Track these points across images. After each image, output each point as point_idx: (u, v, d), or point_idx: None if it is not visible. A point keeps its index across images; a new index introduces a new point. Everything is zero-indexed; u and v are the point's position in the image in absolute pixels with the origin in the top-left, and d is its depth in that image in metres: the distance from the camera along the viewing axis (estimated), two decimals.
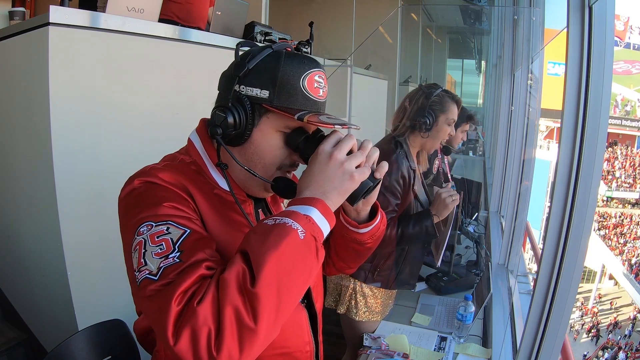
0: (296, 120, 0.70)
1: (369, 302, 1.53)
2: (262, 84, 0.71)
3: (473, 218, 2.45)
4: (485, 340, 1.48)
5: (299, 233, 0.59)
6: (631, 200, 21.02)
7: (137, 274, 0.59)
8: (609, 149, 21.77)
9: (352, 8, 4.15)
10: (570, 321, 14.52)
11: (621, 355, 14.61)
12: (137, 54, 1.64)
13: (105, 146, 1.54)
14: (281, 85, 0.71)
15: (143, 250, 0.61)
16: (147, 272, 0.58)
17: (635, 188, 20.95)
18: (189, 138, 0.81)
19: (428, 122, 1.52)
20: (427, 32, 6.52)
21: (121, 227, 0.70)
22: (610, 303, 17.25)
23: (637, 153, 21.90)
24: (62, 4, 1.43)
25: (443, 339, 1.45)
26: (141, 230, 0.63)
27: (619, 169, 21.49)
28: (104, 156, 1.54)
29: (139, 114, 1.66)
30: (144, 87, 1.66)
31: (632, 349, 14.85)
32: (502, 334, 1.43)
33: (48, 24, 1.34)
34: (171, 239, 0.62)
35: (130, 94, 1.62)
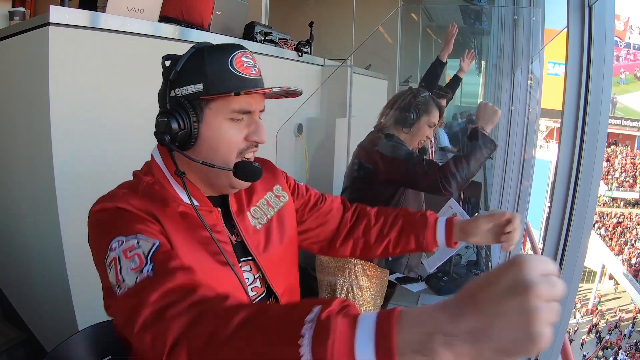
0: (234, 97, 0.72)
1: (364, 294, 1.57)
2: (194, 79, 0.73)
3: None
4: None
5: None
6: (631, 200, 21.01)
7: (118, 290, 0.61)
8: (609, 148, 21.76)
9: (352, 8, 4.15)
10: (571, 321, 14.52)
11: (621, 355, 14.61)
12: (137, 54, 1.64)
13: (105, 146, 1.54)
14: (212, 74, 0.72)
15: (119, 267, 0.62)
16: (127, 288, 0.60)
17: (635, 188, 20.95)
18: (151, 154, 0.81)
19: (412, 117, 1.59)
20: (427, 32, 6.51)
21: (91, 239, 0.72)
22: (614, 309, 17.22)
23: (637, 153, 21.89)
24: (62, 4, 1.43)
25: None
26: (113, 245, 0.64)
27: (619, 169, 21.48)
28: (104, 156, 1.54)
29: (139, 114, 1.65)
30: (144, 87, 1.66)
31: (632, 349, 14.85)
32: None
33: (48, 24, 1.34)
34: (142, 252, 0.62)
35: (130, 94, 1.61)
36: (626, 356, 14.55)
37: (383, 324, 0.41)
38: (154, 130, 0.76)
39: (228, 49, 0.75)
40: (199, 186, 0.79)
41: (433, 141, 2.62)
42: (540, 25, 2.19)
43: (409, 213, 1.01)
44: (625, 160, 21.79)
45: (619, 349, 14.92)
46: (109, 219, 0.69)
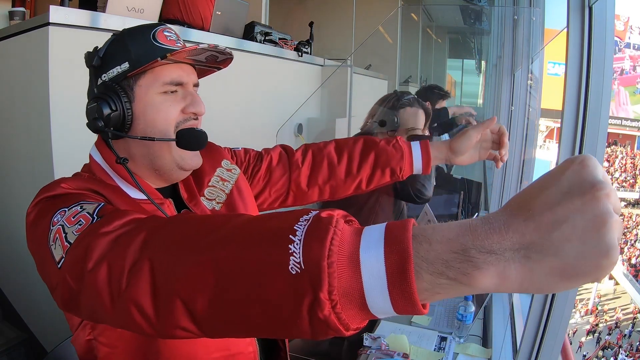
0: (171, 66, 0.69)
1: None
2: (119, 60, 0.70)
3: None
4: (485, 340, 1.48)
5: (290, 263, 0.32)
6: (631, 200, 21.01)
7: (60, 261, 0.51)
8: (609, 148, 21.76)
9: (352, 8, 4.15)
10: (571, 321, 14.53)
11: (621, 355, 14.60)
12: None
13: None
14: (136, 50, 0.70)
15: (64, 234, 0.52)
16: (68, 248, 0.51)
17: (635, 188, 20.95)
18: (89, 154, 0.77)
19: (395, 120, 1.58)
20: (427, 32, 6.52)
21: (31, 241, 0.61)
22: (615, 310, 17.22)
23: (637, 153, 21.89)
24: (62, 4, 1.43)
25: (443, 339, 1.45)
26: (55, 219, 0.56)
27: (619, 169, 21.48)
28: None
29: None
30: None
31: (632, 349, 14.85)
32: (502, 334, 1.43)
33: (48, 24, 1.34)
34: (87, 212, 0.55)
35: None
36: (626, 356, 14.55)
37: (396, 231, 0.31)
38: (86, 122, 0.73)
39: (148, 26, 0.73)
40: (144, 177, 0.74)
41: None
42: (540, 25, 2.19)
43: (378, 146, 0.96)
44: (625, 160, 21.79)
45: (619, 349, 14.92)
46: (44, 208, 0.61)
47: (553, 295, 1.01)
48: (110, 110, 0.69)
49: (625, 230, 20.11)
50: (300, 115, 2.59)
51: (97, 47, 0.75)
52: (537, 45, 2.23)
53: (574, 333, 15.88)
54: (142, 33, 0.72)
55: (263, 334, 0.38)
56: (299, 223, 0.34)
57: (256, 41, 2.36)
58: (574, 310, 15.08)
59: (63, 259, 0.51)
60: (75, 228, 0.52)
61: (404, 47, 5.25)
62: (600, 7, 0.90)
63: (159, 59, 0.68)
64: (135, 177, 0.69)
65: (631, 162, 21.79)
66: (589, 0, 0.91)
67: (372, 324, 1.53)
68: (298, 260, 0.32)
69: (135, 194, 0.71)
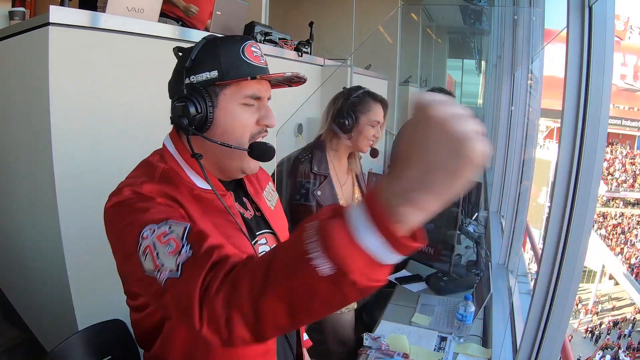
0: (252, 81, 0.78)
1: None
2: (209, 67, 0.78)
3: (473, 218, 2.45)
4: (485, 340, 1.48)
5: (320, 270, 0.46)
6: (631, 200, 21.01)
7: (157, 275, 0.62)
8: (609, 148, 21.76)
9: (352, 8, 4.15)
10: (571, 321, 14.52)
11: (621, 355, 14.61)
12: (137, 54, 1.64)
13: (105, 146, 1.54)
14: (225, 61, 0.78)
15: (155, 252, 0.63)
16: (168, 271, 0.62)
17: (635, 188, 20.95)
18: (163, 143, 0.85)
19: (347, 123, 1.48)
20: (427, 32, 6.52)
21: (112, 234, 0.72)
22: (613, 307, 17.23)
23: (638, 153, 21.89)
24: (62, 4, 1.43)
25: (443, 339, 1.45)
26: (145, 234, 0.65)
27: (620, 169, 21.48)
28: (104, 156, 1.54)
29: (139, 114, 1.66)
30: (144, 87, 1.66)
31: (632, 349, 14.85)
32: (502, 334, 1.43)
33: (48, 24, 1.34)
34: (176, 235, 0.64)
35: (130, 94, 1.62)
36: (626, 356, 14.55)
37: (368, 204, 0.45)
38: (170, 115, 0.80)
39: (239, 40, 0.81)
40: (210, 171, 0.83)
41: None
42: (540, 25, 2.20)
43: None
44: (625, 160, 21.79)
45: (619, 348, 14.92)
46: (131, 209, 0.70)
47: (553, 296, 1.01)
48: (196, 112, 0.77)
49: (625, 230, 20.12)
50: (300, 115, 2.59)
51: (182, 48, 0.83)
52: (537, 45, 2.23)
53: (574, 332, 15.88)
54: (233, 44, 0.80)
55: (332, 311, 0.53)
56: (309, 244, 0.48)
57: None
58: (573, 310, 15.08)
59: (158, 280, 0.62)
60: (167, 250, 0.63)
61: (404, 47, 5.24)
62: (600, 7, 0.90)
63: (249, 78, 0.78)
64: (205, 172, 0.78)
65: (631, 162, 21.79)
66: (589, 0, 0.91)
67: (372, 324, 1.53)
68: (328, 266, 0.46)
69: (201, 183, 0.80)
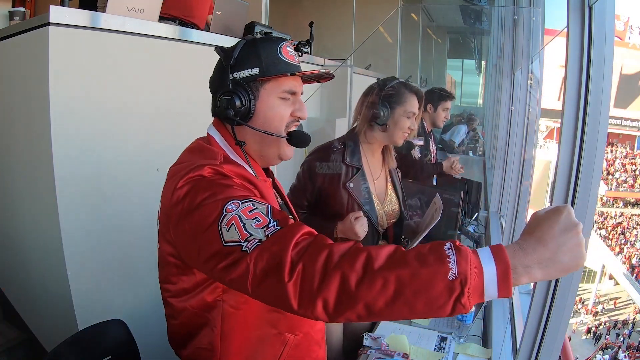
0: (289, 77, 0.88)
1: None
2: (250, 64, 0.87)
3: (473, 218, 2.45)
4: (485, 340, 1.48)
5: (450, 274, 0.58)
6: (631, 200, 21.00)
7: (244, 244, 0.66)
8: (609, 148, 21.75)
9: (352, 8, 4.15)
10: (571, 321, 14.53)
11: (621, 355, 14.60)
12: (137, 54, 1.64)
13: (105, 146, 1.54)
14: (265, 60, 0.87)
15: (242, 224, 0.68)
16: (257, 240, 0.66)
17: (635, 188, 20.94)
18: (207, 133, 0.93)
19: (382, 114, 1.45)
20: (427, 32, 6.51)
21: (188, 208, 0.74)
22: (614, 303, 17.23)
23: (638, 153, 21.88)
24: (62, 4, 1.43)
25: (443, 339, 1.45)
26: (229, 207, 0.70)
27: (620, 169, 21.48)
28: (104, 156, 1.54)
29: (139, 114, 1.66)
30: (144, 87, 1.66)
31: (632, 349, 14.85)
32: (502, 334, 1.43)
33: (48, 24, 1.34)
34: (262, 211, 0.70)
35: (130, 93, 1.61)
36: (626, 356, 14.55)
37: (497, 252, 0.59)
38: (214, 108, 0.90)
39: (275, 40, 0.90)
40: (252, 157, 0.92)
41: (432, 145, 2.63)
42: (540, 25, 2.19)
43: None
44: (625, 160, 21.79)
45: (619, 349, 14.92)
46: (213, 183, 0.75)
47: (553, 296, 1.01)
48: (241, 104, 0.86)
49: (625, 230, 20.11)
50: None
51: (222, 47, 0.90)
52: (537, 45, 2.23)
53: (574, 332, 15.89)
54: (270, 45, 0.88)
55: (418, 317, 0.62)
56: (447, 251, 0.60)
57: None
58: (573, 310, 15.08)
59: (250, 247, 0.66)
60: (254, 222, 0.68)
61: (404, 47, 5.25)
62: (600, 7, 0.90)
63: (287, 74, 0.88)
64: (248, 158, 0.88)
65: (631, 163, 21.78)
66: (589, 0, 0.91)
67: (372, 324, 1.53)
68: (454, 272, 0.58)
69: (248, 168, 0.88)
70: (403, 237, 1.61)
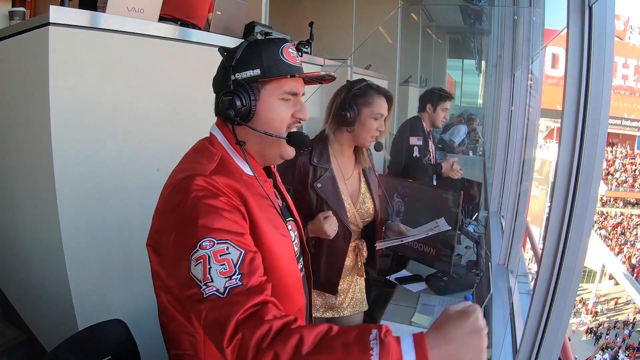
0: (290, 79, 0.88)
1: (355, 294, 1.56)
2: (252, 65, 0.87)
3: (473, 218, 2.45)
4: None
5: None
6: (631, 200, 21.00)
7: (203, 287, 0.70)
8: (609, 148, 21.74)
9: (352, 8, 4.15)
10: (571, 321, 14.52)
11: (621, 355, 14.60)
12: (137, 54, 1.64)
13: (105, 146, 1.54)
14: (267, 61, 0.87)
15: (208, 266, 0.70)
16: (215, 289, 0.69)
17: (635, 188, 20.94)
18: (210, 132, 0.94)
19: (349, 116, 1.46)
20: (427, 32, 6.52)
21: (172, 216, 0.79)
22: (615, 302, 17.23)
23: (638, 153, 21.88)
24: (62, 4, 1.43)
25: None
26: (204, 244, 0.72)
27: (620, 169, 21.48)
28: (104, 156, 1.54)
29: (139, 114, 1.66)
30: (144, 87, 1.66)
31: (632, 349, 14.84)
32: (502, 334, 1.43)
33: (48, 24, 1.34)
34: (231, 259, 0.72)
35: (130, 93, 1.61)
36: (626, 356, 14.54)
37: (418, 342, 0.64)
38: (217, 108, 0.91)
39: (278, 41, 0.90)
40: (253, 157, 0.93)
41: (432, 145, 2.62)
42: (540, 25, 2.19)
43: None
44: (625, 160, 21.78)
45: (619, 349, 14.92)
46: (199, 204, 0.76)
47: (553, 296, 1.01)
48: (242, 104, 0.86)
49: (625, 230, 20.11)
50: None
51: (226, 48, 0.91)
52: (537, 45, 2.23)
53: (574, 332, 15.88)
54: (272, 46, 0.89)
55: None
56: (371, 342, 0.63)
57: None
58: (573, 310, 15.07)
59: (200, 291, 0.70)
60: (220, 269, 0.71)
61: (404, 47, 5.25)
62: (600, 7, 0.90)
63: (288, 75, 0.88)
64: (248, 158, 0.88)
65: (631, 163, 21.77)
66: (589, 0, 0.91)
67: None
68: None
69: (247, 170, 0.90)
70: (384, 234, 1.62)
